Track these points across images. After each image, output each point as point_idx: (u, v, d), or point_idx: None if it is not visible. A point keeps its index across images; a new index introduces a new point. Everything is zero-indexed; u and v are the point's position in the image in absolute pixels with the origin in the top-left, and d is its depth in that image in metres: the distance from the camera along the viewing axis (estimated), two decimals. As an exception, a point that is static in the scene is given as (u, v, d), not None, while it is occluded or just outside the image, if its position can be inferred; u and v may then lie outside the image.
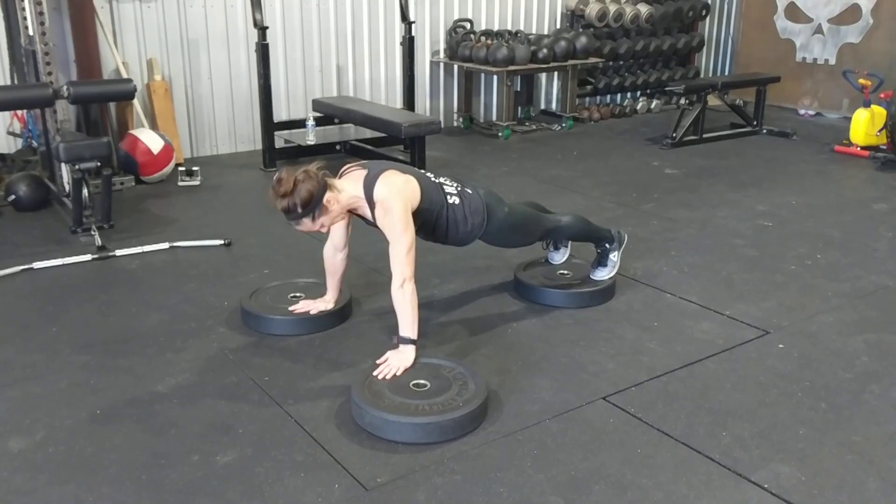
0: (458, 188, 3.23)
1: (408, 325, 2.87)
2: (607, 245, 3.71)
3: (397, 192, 2.92)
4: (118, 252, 4.19)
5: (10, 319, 3.45)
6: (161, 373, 2.99)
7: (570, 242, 3.82)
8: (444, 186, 3.17)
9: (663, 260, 4.18)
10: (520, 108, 7.70)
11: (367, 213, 2.99)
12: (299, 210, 2.81)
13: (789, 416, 2.73)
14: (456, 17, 7.35)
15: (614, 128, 7.69)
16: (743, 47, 8.97)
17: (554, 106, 8.15)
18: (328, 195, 2.86)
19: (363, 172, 2.98)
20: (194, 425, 2.65)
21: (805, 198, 5.36)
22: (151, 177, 5.51)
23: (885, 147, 6.34)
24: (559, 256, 3.88)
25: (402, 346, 2.88)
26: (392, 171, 3.00)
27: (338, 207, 2.92)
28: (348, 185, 2.95)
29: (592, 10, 7.69)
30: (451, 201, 3.14)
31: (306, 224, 2.89)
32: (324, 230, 2.97)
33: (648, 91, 8.50)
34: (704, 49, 9.07)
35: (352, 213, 3.11)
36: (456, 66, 7.37)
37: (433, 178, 3.18)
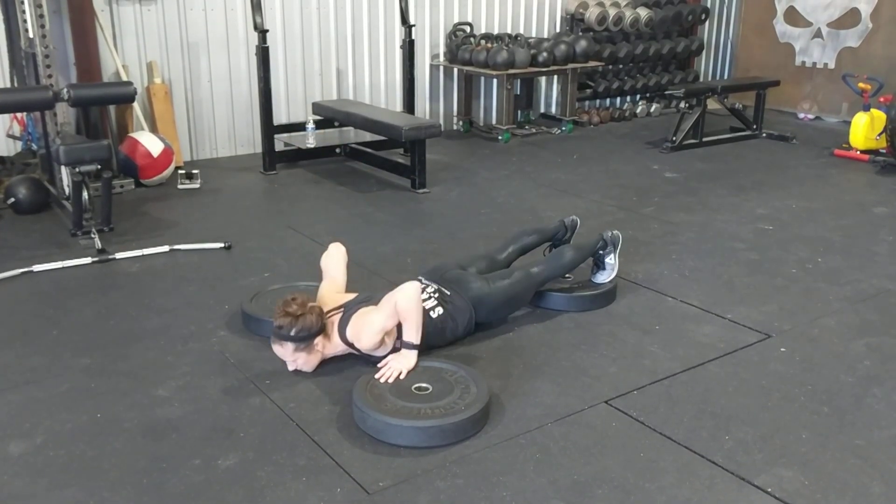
0: (437, 294, 3.18)
1: (412, 330, 2.87)
2: (601, 251, 3.72)
3: (367, 322, 2.91)
4: (118, 255, 4.18)
5: (10, 323, 3.44)
6: (162, 376, 2.98)
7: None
8: (425, 303, 3.09)
9: (664, 263, 4.18)
10: (519, 112, 7.71)
11: (356, 351, 3.02)
12: (292, 334, 2.87)
13: (792, 420, 2.73)
14: (456, 20, 7.36)
15: (614, 131, 7.70)
16: (742, 51, 8.98)
17: (554, 109, 8.16)
18: (321, 339, 2.95)
19: (338, 317, 3.02)
20: (195, 429, 2.64)
21: (805, 201, 5.36)
22: (151, 180, 5.51)
23: (884, 151, 6.35)
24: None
25: (403, 350, 2.88)
26: (364, 310, 2.99)
27: (318, 356, 2.98)
28: (332, 334, 3.00)
29: (592, 13, 7.70)
30: (433, 315, 3.11)
31: (286, 350, 2.92)
32: (291, 367, 2.97)
33: (648, 95, 8.50)
34: (704, 53, 9.09)
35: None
36: (456, 70, 7.37)
37: None
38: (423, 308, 3.03)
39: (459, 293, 3.23)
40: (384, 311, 2.87)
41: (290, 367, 2.97)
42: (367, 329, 2.90)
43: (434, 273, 3.35)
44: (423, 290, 3.18)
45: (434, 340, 3.10)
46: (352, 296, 3.15)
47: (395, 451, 2.51)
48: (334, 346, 3.02)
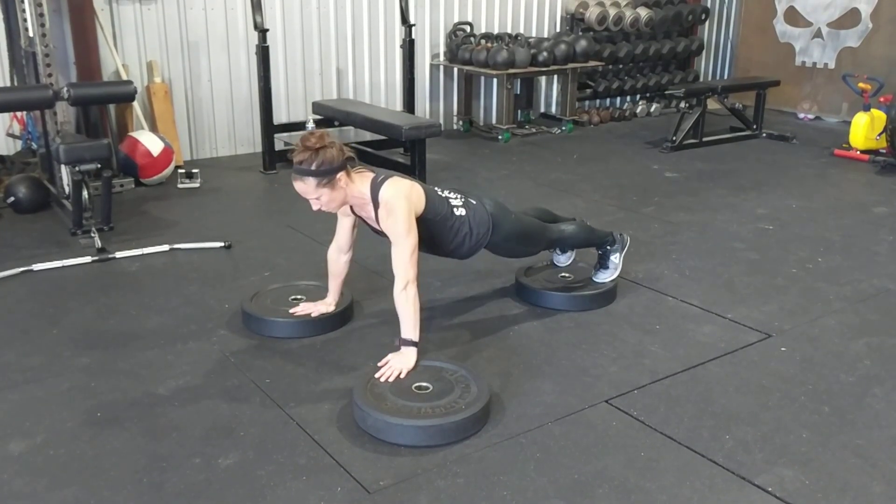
0: (463, 199, 3.22)
1: (409, 327, 2.86)
2: (608, 247, 3.71)
3: (403, 195, 2.91)
4: (118, 254, 4.18)
5: (10, 322, 3.44)
6: (162, 375, 2.98)
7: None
8: (450, 199, 3.16)
9: (664, 263, 4.18)
10: (519, 112, 7.71)
11: (371, 214, 2.98)
12: (313, 168, 2.79)
13: (792, 420, 2.72)
14: (456, 20, 7.36)
15: (614, 131, 7.70)
16: (742, 51, 8.98)
17: (554, 109, 8.16)
18: (343, 174, 2.85)
19: (371, 175, 2.98)
20: (195, 428, 2.63)
21: (805, 201, 5.36)
22: (151, 179, 5.51)
23: (884, 151, 6.35)
24: (564, 259, 3.89)
25: (403, 349, 2.87)
26: (399, 177, 3.00)
27: (342, 193, 2.89)
28: (357, 182, 2.94)
29: (592, 13, 7.70)
30: (456, 213, 3.14)
31: (308, 185, 2.82)
32: (315, 205, 2.90)
33: (648, 95, 8.50)
34: (704, 53, 9.09)
35: (357, 216, 3.11)
36: (456, 69, 7.37)
37: (439, 192, 3.18)
38: (448, 204, 3.10)
39: (485, 206, 3.25)
40: (401, 241, 2.86)
41: (315, 207, 2.89)
42: (395, 218, 2.86)
43: (459, 190, 3.34)
44: (452, 191, 3.22)
45: (446, 238, 3.12)
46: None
47: (396, 451, 2.51)
48: (359, 195, 2.93)
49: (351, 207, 3.08)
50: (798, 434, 2.64)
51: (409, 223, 2.88)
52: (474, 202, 3.24)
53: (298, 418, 2.69)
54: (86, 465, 2.44)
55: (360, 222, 3.20)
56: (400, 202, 2.88)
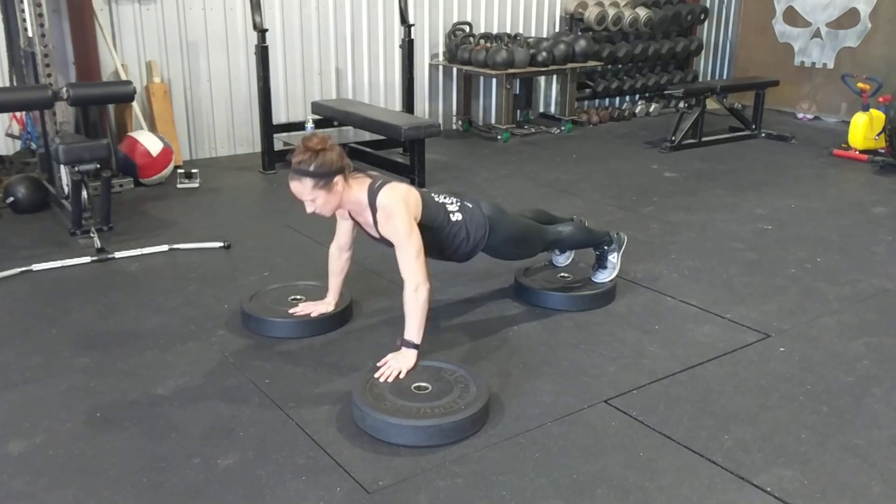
0: (459, 203, 3.22)
1: (414, 329, 2.86)
2: (606, 247, 3.72)
3: (400, 199, 2.92)
4: (117, 254, 4.18)
5: (9, 322, 3.44)
6: (161, 375, 2.98)
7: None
8: (446, 205, 3.17)
9: (663, 263, 4.18)
10: (519, 112, 7.71)
11: (370, 220, 2.98)
12: (311, 168, 2.78)
13: (791, 420, 2.73)
14: (455, 19, 7.36)
15: (613, 131, 7.70)
16: (741, 51, 8.99)
17: (553, 109, 8.16)
18: (340, 179, 2.85)
19: (368, 180, 2.98)
20: (195, 428, 2.64)
21: (804, 201, 5.37)
22: (150, 179, 5.51)
23: (883, 151, 6.36)
24: (563, 259, 3.90)
25: (403, 349, 2.87)
26: (395, 182, 3.01)
27: (338, 198, 2.89)
28: (355, 187, 2.95)
29: (591, 13, 7.70)
30: (453, 218, 3.15)
31: (305, 186, 2.82)
32: (310, 207, 2.88)
33: (647, 94, 8.51)
34: (703, 53, 9.09)
35: (355, 222, 3.12)
36: (455, 69, 7.37)
37: (435, 198, 3.19)
38: (445, 209, 3.11)
39: (481, 209, 3.26)
40: (405, 244, 2.86)
41: (309, 209, 2.89)
42: (394, 223, 2.86)
43: (455, 194, 3.35)
44: (448, 196, 3.23)
45: (443, 244, 3.12)
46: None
47: (395, 451, 2.51)
48: (356, 201, 2.94)
49: (350, 214, 3.09)
50: (797, 434, 2.64)
51: (409, 226, 2.88)
52: (470, 206, 3.25)
53: (298, 418, 2.70)
54: (85, 465, 2.44)
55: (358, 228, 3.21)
56: (398, 206, 2.89)
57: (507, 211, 3.43)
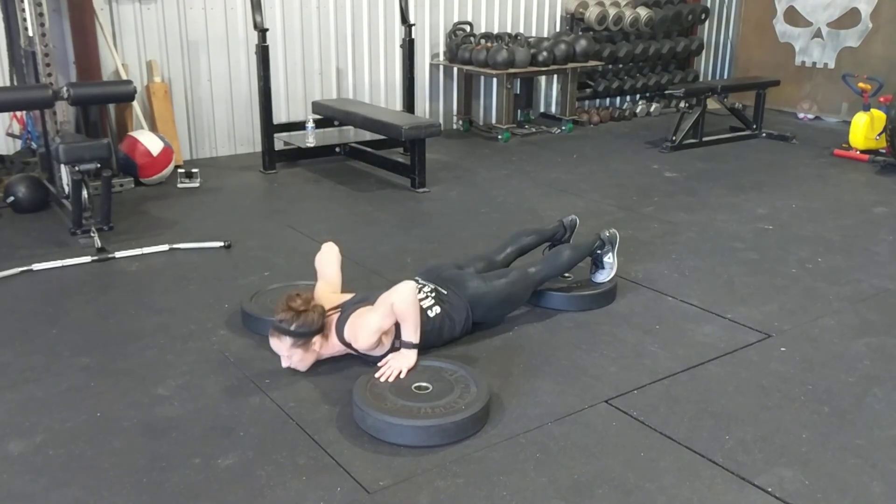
0: (434, 295, 3.17)
1: (410, 329, 2.87)
2: (598, 251, 3.71)
3: (364, 323, 2.90)
4: (118, 254, 4.17)
5: (10, 322, 3.43)
6: (161, 375, 2.98)
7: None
8: (421, 304, 3.08)
9: (664, 263, 4.18)
10: (519, 111, 7.70)
11: (353, 352, 3.02)
12: (292, 328, 2.87)
13: (792, 420, 2.72)
14: (456, 19, 7.35)
15: (614, 131, 7.70)
16: (742, 51, 8.98)
17: (553, 109, 8.16)
18: (319, 338, 2.94)
19: (335, 317, 3.02)
20: (195, 428, 2.63)
21: (805, 201, 5.36)
22: (151, 179, 5.51)
23: (884, 151, 6.35)
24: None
25: (403, 349, 2.88)
26: (361, 310, 2.98)
27: (314, 356, 2.97)
28: (330, 336, 3.00)
29: (592, 13, 7.70)
30: (431, 314, 3.10)
31: (284, 344, 2.90)
32: (285, 362, 2.95)
33: (648, 94, 8.50)
34: (704, 53, 9.09)
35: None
36: (456, 69, 7.37)
37: None
38: (421, 307, 3.03)
39: (457, 292, 3.22)
40: (380, 311, 2.87)
41: (284, 364, 2.96)
42: (363, 329, 2.89)
43: (430, 273, 3.34)
44: (420, 289, 3.16)
45: (431, 340, 3.09)
46: (349, 296, 3.15)
47: (396, 451, 2.51)
48: (332, 347, 3.01)
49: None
50: (798, 434, 2.64)
51: (378, 324, 2.88)
52: (446, 292, 3.20)
53: (298, 418, 2.69)
54: (85, 464, 2.44)
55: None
56: (362, 329, 2.89)
57: (492, 277, 3.36)
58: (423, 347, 2.99)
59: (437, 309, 3.13)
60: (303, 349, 2.91)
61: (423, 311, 3.05)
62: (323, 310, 2.98)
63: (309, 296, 2.98)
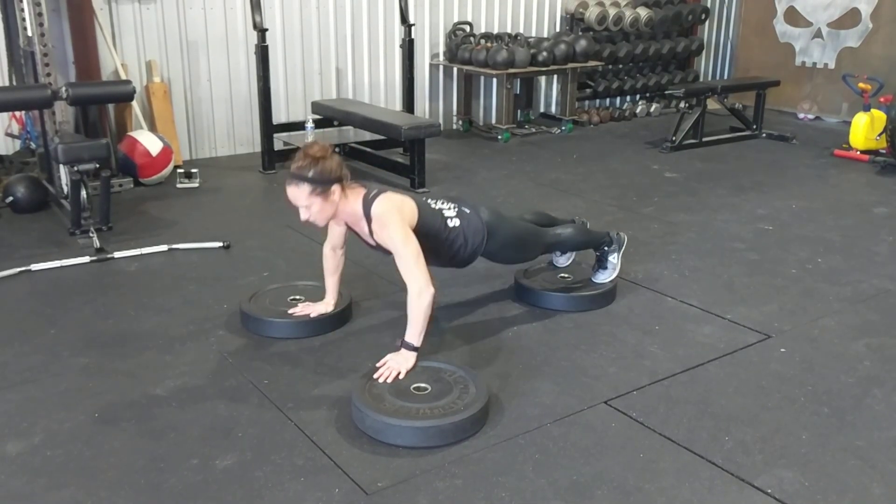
0: (457, 209, 3.21)
1: (416, 333, 2.85)
2: (606, 248, 3.71)
3: (394, 208, 2.92)
4: (116, 254, 4.17)
5: (8, 322, 3.43)
6: (160, 376, 2.97)
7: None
8: (443, 211, 3.15)
9: (664, 263, 4.17)
10: (519, 111, 7.70)
11: (366, 229, 2.99)
12: (310, 175, 2.78)
13: (792, 421, 2.72)
14: (455, 19, 7.35)
15: (614, 131, 7.69)
16: (742, 51, 8.98)
17: (553, 109, 8.15)
18: (338, 188, 2.86)
19: (363, 190, 2.99)
20: (193, 429, 2.63)
21: (805, 202, 5.36)
22: (150, 179, 5.50)
23: (884, 151, 6.35)
24: (564, 260, 3.89)
25: (403, 350, 2.87)
26: (390, 192, 3.01)
27: (333, 207, 2.90)
28: (350, 198, 2.95)
29: (592, 13, 7.69)
30: (450, 224, 3.14)
31: (302, 191, 2.81)
32: (304, 214, 2.88)
33: (648, 95, 8.50)
34: (704, 53, 9.08)
35: (352, 231, 3.13)
36: (455, 69, 7.36)
37: (432, 204, 3.17)
38: (442, 215, 3.09)
39: (479, 215, 3.24)
40: (411, 250, 2.85)
41: (303, 216, 2.88)
42: (389, 231, 2.86)
43: (452, 200, 3.34)
44: (443, 202, 3.20)
45: (440, 250, 3.11)
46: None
47: (394, 452, 2.50)
48: (351, 211, 2.94)
49: (346, 224, 3.10)
50: (797, 435, 2.63)
51: (404, 232, 2.88)
52: (468, 211, 3.23)
53: (296, 419, 2.69)
54: (83, 465, 2.44)
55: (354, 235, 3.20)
56: (392, 215, 2.89)
57: (507, 215, 3.43)
58: (430, 257, 2.97)
59: (456, 221, 3.15)
60: (322, 198, 2.82)
61: (443, 220, 3.09)
62: (342, 159, 2.90)
63: (327, 144, 2.89)
